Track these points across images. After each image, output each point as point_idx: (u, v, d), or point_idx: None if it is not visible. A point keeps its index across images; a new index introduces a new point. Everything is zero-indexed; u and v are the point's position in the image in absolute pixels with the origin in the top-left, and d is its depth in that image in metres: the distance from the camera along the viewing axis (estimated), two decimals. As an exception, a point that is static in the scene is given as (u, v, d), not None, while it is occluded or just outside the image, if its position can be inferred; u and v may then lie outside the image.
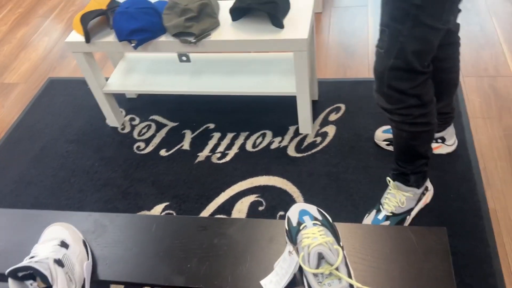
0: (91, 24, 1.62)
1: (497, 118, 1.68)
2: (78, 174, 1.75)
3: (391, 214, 1.37)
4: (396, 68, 1.06)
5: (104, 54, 2.31)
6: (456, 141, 1.58)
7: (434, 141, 1.54)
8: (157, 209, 1.58)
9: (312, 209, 0.85)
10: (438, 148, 1.56)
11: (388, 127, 1.59)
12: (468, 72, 1.88)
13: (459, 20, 1.25)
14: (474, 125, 1.67)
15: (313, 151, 1.68)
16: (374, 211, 1.41)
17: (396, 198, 1.37)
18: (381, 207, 1.39)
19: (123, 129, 1.89)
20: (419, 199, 1.39)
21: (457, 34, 1.30)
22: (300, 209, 0.84)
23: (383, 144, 1.62)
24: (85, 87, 2.07)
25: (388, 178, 1.39)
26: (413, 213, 1.40)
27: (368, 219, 1.41)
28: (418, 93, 1.10)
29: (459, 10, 1.21)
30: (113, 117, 1.87)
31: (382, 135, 1.62)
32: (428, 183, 1.42)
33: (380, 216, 1.38)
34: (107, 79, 1.81)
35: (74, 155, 1.82)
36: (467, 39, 2.04)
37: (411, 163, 1.30)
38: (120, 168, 1.74)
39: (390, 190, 1.39)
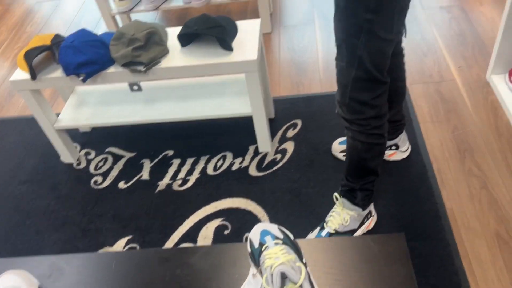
0: (37, 61, 1.59)
1: (445, 121, 1.75)
2: (34, 215, 1.67)
3: (334, 231, 1.39)
4: (359, 79, 1.09)
5: (54, 89, 2.26)
6: (409, 147, 1.63)
7: (388, 148, 1.59)
8: (120, 244, 1.53)
9: (273, 228, 0.84)
10: (393, 155, 1.61)
11: (344, 138, 1.62)
12: (414, 79, 1.97)
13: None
14: (424, 129, 1.73)
15: (274, 168, 1.69)
16: (318, 228, 1.42)
17: (341, 216, 1.39)
18: (325, 224, 1.41)
19: (78, 164, 1.84)
20: (363, 222, 1.41)
21: (400, 45, 1.35)
22: (261, 229, 0.84)
23: (340, 156, 1.65)
24: (36, 125, 2.00)
25: (336, 194, 1.41)
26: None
27: (311, 236, 1.41)
28: (378, 104, 1.14)
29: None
30: (67, 153, 1.81)
31: (339, 146, 1.66)
32: (372, 209, 1.44)
33: (323, 233, 1.39)
34: (58, 114, 1.76)
35: (28, 196, 1.75)
36: (410, 48, 2.13)
37: (360, 178, 1.32)
38: (78, 205, 1.68)
39: (335, 208, 1.41)
